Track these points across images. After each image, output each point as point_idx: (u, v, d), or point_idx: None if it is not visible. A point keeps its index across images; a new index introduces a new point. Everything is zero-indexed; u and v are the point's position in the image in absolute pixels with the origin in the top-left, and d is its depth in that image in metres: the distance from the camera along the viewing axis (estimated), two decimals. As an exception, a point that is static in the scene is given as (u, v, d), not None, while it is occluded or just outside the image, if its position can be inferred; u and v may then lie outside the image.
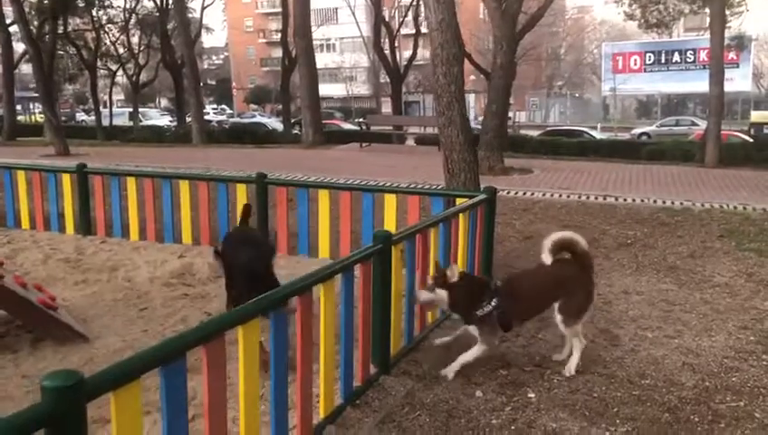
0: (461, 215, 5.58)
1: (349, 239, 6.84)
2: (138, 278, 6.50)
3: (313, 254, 7.12)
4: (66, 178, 8.37)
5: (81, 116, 56.25)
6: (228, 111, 68.13)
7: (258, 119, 47.62)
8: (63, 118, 36.95)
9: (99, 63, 38.30)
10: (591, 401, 3.99)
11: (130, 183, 7.94)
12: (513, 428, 3.70)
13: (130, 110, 45.79)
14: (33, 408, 1.98)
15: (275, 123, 40.94)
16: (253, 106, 69.38)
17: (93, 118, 38.53)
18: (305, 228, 7.18)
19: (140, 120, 43.40)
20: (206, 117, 36.89)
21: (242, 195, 7.37)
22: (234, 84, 72.13)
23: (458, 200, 6.11)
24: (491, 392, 4.08)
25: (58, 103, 36.91)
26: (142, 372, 2.33)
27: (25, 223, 8.59)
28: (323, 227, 7.09)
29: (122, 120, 45.30)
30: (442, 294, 4.23)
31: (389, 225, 6.52)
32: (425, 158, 18.89)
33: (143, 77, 42.76)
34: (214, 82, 78.73)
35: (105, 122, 36.57)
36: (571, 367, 4.31)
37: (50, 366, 4.35)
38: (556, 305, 4.25)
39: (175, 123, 38.81)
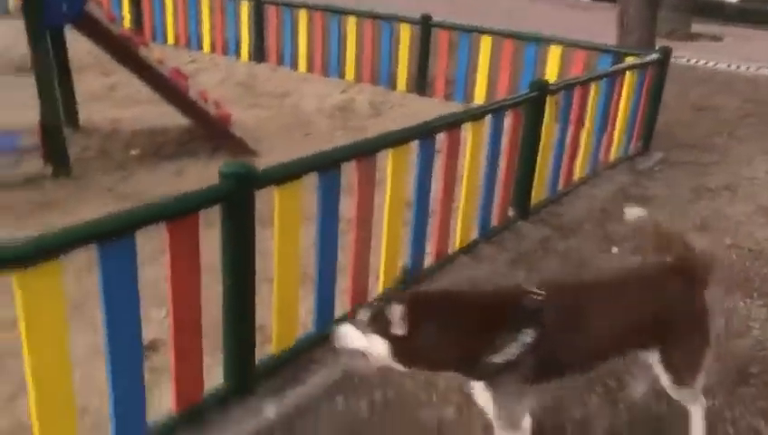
0: (628, 73, 5.33)
1: (506, 90, 6.79)
2: (305, 107, 6.94)
3: (468, 101, 7.17)
4: (244, 7, 8.80)
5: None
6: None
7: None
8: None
9: None
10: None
11: (302, 16, 8.22)
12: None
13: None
14: (212, 188, 2.34)
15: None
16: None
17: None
18: (463, 75, 7.19)
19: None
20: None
21: (405, 35, 7.44)
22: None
23: (627, 59, 5.81)
24: (627, 253, 4.12)
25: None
26: (303, 173, 2.64)
27: (207, 46, 9.25)
28: (482, 76, 7.07)
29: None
30: (378, 346, 2.03)
31: (550, 79, 6.38)
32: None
33: None
34: None
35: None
36: None
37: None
38: (654, 358, 2.35)
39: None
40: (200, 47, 9.30)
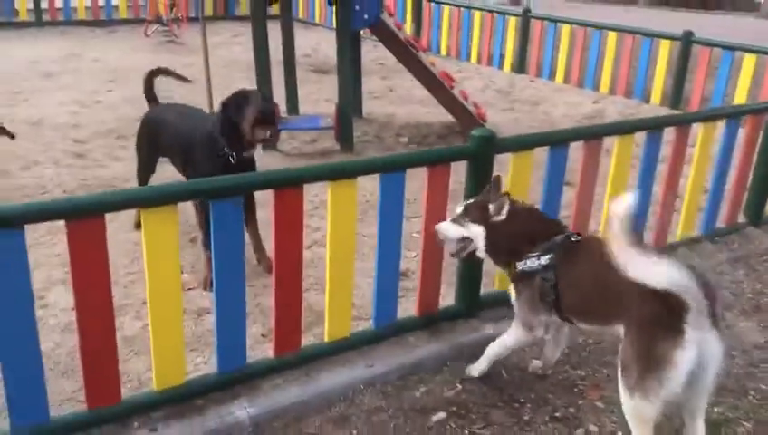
0: None
1: None
2: (554, 114, 7.48)
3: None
4: (512, 22, 9.57)
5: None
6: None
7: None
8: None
9: None
10: None
11: (565, 30, 8.76)
12: None
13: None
14: (463, 146, 3.07)
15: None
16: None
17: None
18: (721, 92, 7.16)
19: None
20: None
21: (664, 51, 7.60)
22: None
23: None
24: None
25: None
26: (535, 145, 3.26)
27: (474, 58, 10.19)
28: (741, 94, 7.00)
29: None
30: (476, 231, 2.72)
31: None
32: None
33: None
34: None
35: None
36: None
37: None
38: (621, 334, 2.38)
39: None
40: (468, 58, 10.28)
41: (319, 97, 7.66)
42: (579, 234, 2.68)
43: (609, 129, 3.57)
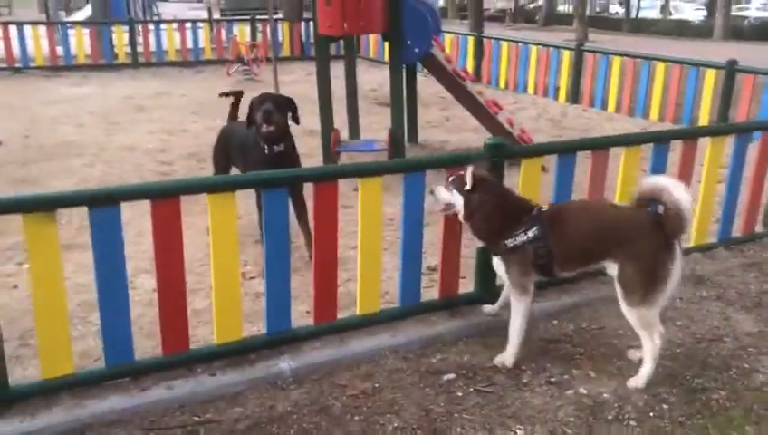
0: None
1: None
2: (601, 140, 7.87)
3: None
4: (566, 55, 10.04)
5: (614, 8, 57.85)
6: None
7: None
8: (597, 9, 38.95)
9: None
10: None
11: (616, 62, 9.16)
12: None
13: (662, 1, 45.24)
14: (478, 152, 3.60)
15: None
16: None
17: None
18: (766, 117, 7.38)
19: (670, 14, 42.72)
20: (745, 12, 34.26)
21: (710, 80, 7.90)
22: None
23: None
24: None
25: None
26: (544, 153, 3.76)
27: (530, 89, 10.69)
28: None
29: (653, 12, 45.26)
30: (457, 199, 3.24)
31: None
32: None
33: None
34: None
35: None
36: (638, 381, 3.11)
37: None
38: (613, 268, 3.10)
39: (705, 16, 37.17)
40: (525, 90, 10.78)
41: (380, 126, 8.30)
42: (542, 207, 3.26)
43: (616, 140, 4.01)
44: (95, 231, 2.81)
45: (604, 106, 9.38)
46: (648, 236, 2.99)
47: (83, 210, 2.85)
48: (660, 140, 4.12)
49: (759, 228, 4.81)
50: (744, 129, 4.47)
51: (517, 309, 3.26)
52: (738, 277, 4.30)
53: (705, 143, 4.31)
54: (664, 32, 28.78)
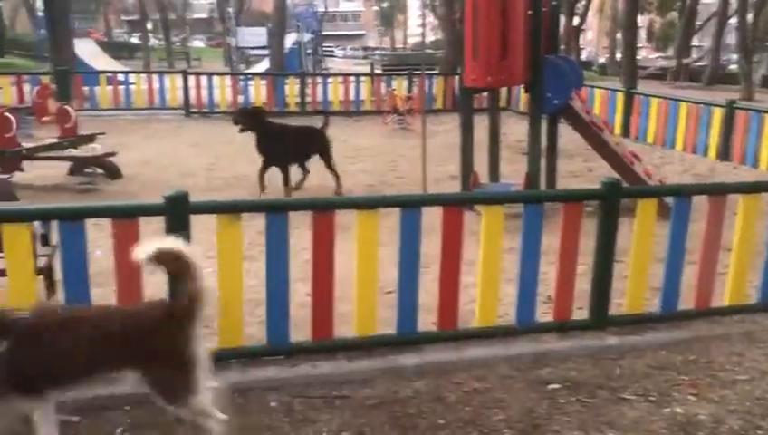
0: None
1: None
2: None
3: None
4: (717, 112, 9.96)
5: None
6: None
7: None
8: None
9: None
10: None
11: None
12: None
13: None
14: (594, 189, 3.99)
15: None
16: None
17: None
18: None
19: None
20: None
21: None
22: None
23: None
24: None
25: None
26: (657, 195, 4.06)
27: (679, 145, 10.67)
28: None
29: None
30: None
31: None
32: None
33: None
34: None
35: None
36: None
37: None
38: (138, 377, 2.69)
39: None
40: (673, 146, 10.76)
41: (521, 174, 8.74)
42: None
43: (735, 187, 4.23)
44: (269, 234, 3.57)
45: (756, 164, 9.19)
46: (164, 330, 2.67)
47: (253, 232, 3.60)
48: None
49: None
50: None
51: None
52: None
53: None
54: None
